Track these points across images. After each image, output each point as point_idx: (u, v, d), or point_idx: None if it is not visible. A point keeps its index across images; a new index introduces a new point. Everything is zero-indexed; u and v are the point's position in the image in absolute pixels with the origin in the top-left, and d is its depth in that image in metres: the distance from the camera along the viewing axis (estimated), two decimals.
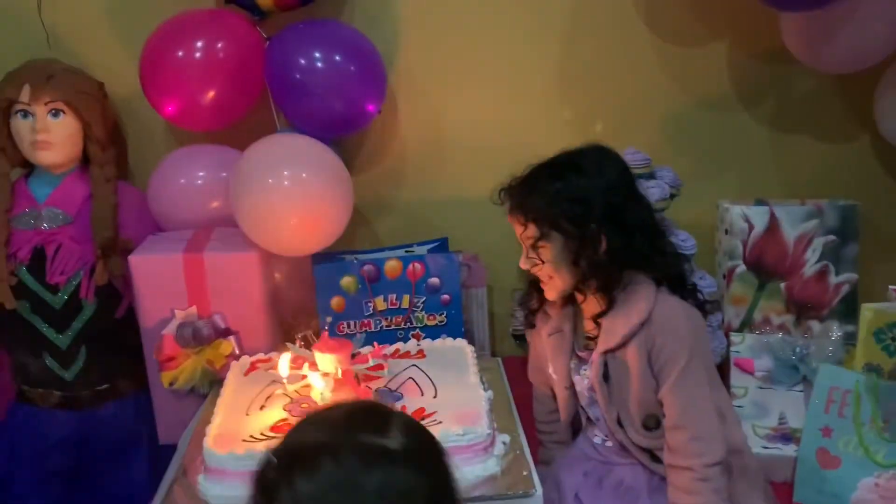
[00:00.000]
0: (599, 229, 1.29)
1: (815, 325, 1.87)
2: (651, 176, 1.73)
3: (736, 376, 1.70)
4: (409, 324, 1.78)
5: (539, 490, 1.29)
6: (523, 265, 1.38)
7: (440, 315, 1.78)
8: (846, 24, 1.59)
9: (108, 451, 1.83)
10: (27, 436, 1.82)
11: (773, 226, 1.86)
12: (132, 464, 1.84)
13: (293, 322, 1.78)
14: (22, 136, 1.74)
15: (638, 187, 1.39)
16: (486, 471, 1.33)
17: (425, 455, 0.70)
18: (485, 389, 1.47)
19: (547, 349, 1.45)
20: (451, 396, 1.44)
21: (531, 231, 1.33)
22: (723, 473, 1.25)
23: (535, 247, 1.33)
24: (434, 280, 1.76)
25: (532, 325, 1.48)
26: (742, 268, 1.88)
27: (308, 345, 1.48)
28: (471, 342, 1.74)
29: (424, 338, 1.74)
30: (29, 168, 1.82)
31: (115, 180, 1.82)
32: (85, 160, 1.82)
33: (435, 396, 1.45)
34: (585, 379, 1.41)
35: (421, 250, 1.82)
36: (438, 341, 1.68)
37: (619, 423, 1.36)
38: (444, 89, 1.95)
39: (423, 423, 1.36)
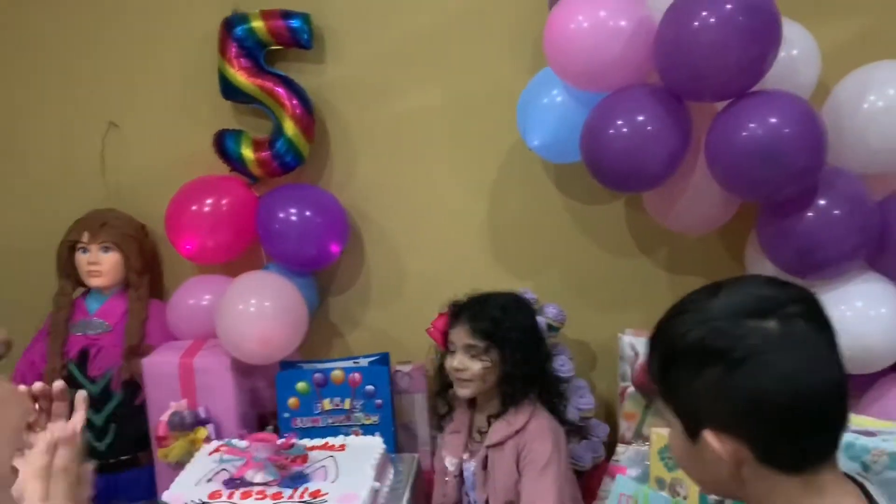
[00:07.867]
0: (520, 354, 1.81)
1: None
2: (539, 312, 2.14)
3: (605, 481, 2.05)
4: (350, 422, 2.24)
5: None
6: (456, 364, 1.85)
7: (375, 416, 2.24)
8: (677, 201, 1.99)
9: None
10: None
11: None
12: None
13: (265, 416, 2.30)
14: (80, 266, 2.38)
15: None
16: None
17: None
18: (375, 479, 1.90)
19: (447, 445, 1.91)
20: (345, 482, 1.87)
21: (478, 341, 1.83)
22: None
23: (479, 352, 1.82)
24: (370, 387, 2.23)
25: (440, 429, 1.95)
26: (631, 388, 2.23)
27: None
28: (412, 439, 2.22)
29: (362, 434, 2.20)
30: (86, 289, 2.46)
31: (146, 299, 2.43)
32: (126, 283, 2.44)
33: (334, 481, 1.89)
34: (472, 466, 1.87)
35: (363, 363, 2.29)
36: (360, 438, 2.13)
37: None
38: (400, 235, 2.46)
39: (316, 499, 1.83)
